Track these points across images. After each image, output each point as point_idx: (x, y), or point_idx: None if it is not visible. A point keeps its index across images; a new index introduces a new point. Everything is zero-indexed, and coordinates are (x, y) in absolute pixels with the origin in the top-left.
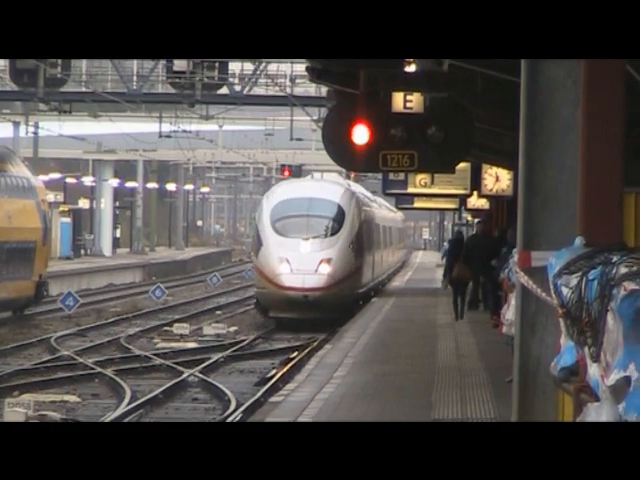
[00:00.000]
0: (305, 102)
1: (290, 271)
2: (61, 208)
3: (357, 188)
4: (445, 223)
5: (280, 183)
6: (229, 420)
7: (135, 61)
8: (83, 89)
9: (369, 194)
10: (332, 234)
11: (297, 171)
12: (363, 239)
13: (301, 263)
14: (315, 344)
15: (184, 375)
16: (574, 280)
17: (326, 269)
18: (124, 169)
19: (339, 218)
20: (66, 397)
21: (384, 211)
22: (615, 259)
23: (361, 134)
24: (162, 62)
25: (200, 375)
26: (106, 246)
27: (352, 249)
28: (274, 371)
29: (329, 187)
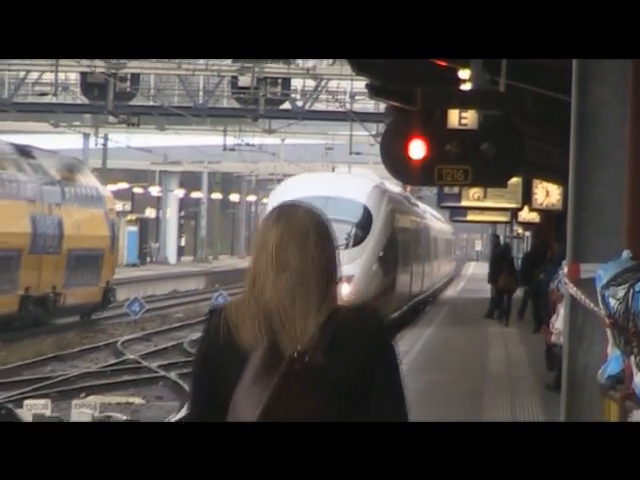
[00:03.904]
0: (364, 118)
1: None
2: (128, 217)
3: (393, 187)
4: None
5: (291, 178)
6: None
7: (201, 77)
8: (151, 103)
9: (409, 195)
10: (355, 245)
11: None
12: (397, 251)
13: None
14: None
15: None
16: (621, 291)
17: (346, 290)
18: (189, 180)
19: (364, 224)
20: (131, 399)
21: (429, 218)
22: None
23: (417, 149)
24: (227, 78)
25: None
26: (171, 254)
27: (381, 264)
28: None
29: (353, 183)
